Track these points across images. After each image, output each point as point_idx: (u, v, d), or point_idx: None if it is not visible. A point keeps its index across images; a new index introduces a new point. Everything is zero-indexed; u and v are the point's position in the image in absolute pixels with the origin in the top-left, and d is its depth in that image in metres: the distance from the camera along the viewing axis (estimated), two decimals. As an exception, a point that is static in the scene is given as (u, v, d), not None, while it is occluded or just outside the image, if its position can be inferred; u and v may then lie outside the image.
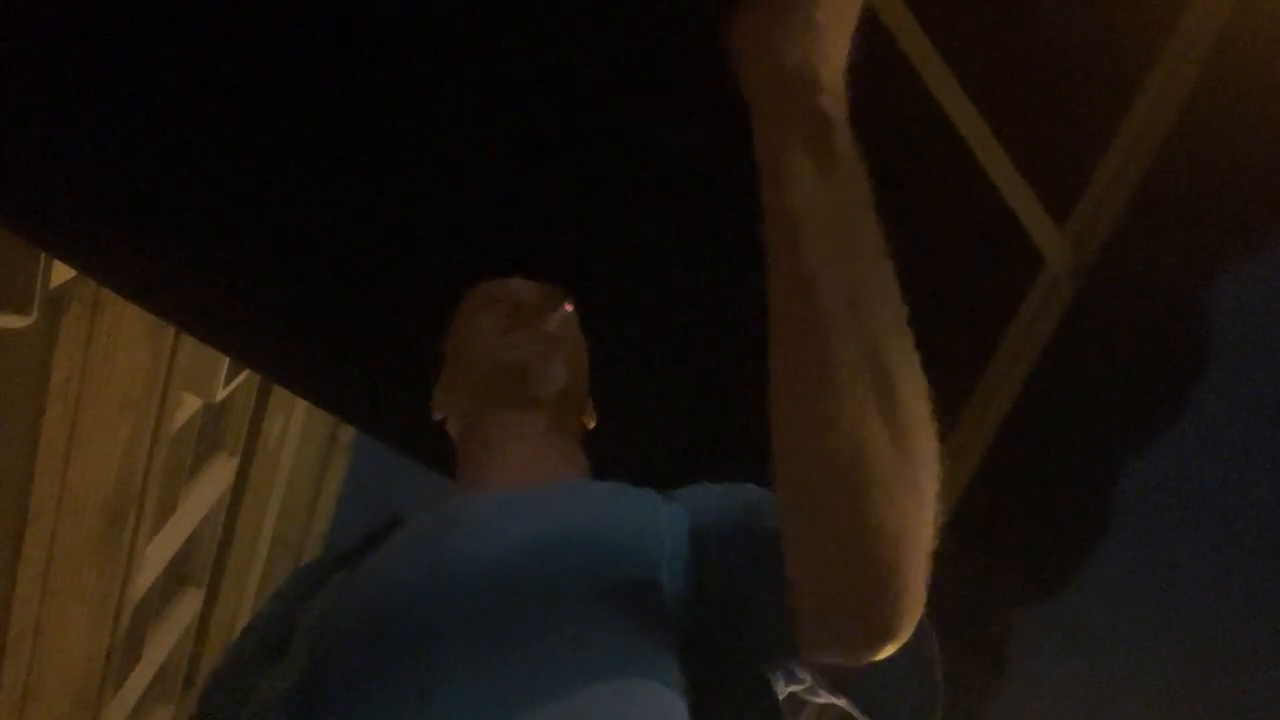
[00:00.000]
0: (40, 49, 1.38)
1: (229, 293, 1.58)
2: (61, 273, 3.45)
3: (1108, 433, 1.51)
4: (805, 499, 0.68)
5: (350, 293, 1.57)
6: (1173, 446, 1.48)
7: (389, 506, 0.95)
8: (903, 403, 0.65)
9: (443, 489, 1.10)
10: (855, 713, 0.78)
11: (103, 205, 1.50)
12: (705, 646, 0.75)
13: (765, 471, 0.70)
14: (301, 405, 7.71)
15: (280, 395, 7.24)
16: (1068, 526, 1.56)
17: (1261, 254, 1.41)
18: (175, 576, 7.26)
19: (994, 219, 1.40)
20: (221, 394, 5.67)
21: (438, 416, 1.08)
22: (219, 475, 7.11)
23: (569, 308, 1.05)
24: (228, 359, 5.05)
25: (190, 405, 5.70)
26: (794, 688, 0.78)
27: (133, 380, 4.46)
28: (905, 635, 0.67)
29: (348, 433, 9.47)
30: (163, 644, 7.23)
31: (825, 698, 0.79)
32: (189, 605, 7.64)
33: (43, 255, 3.25)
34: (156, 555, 6.13)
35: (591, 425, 1.07)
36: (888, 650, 0.68)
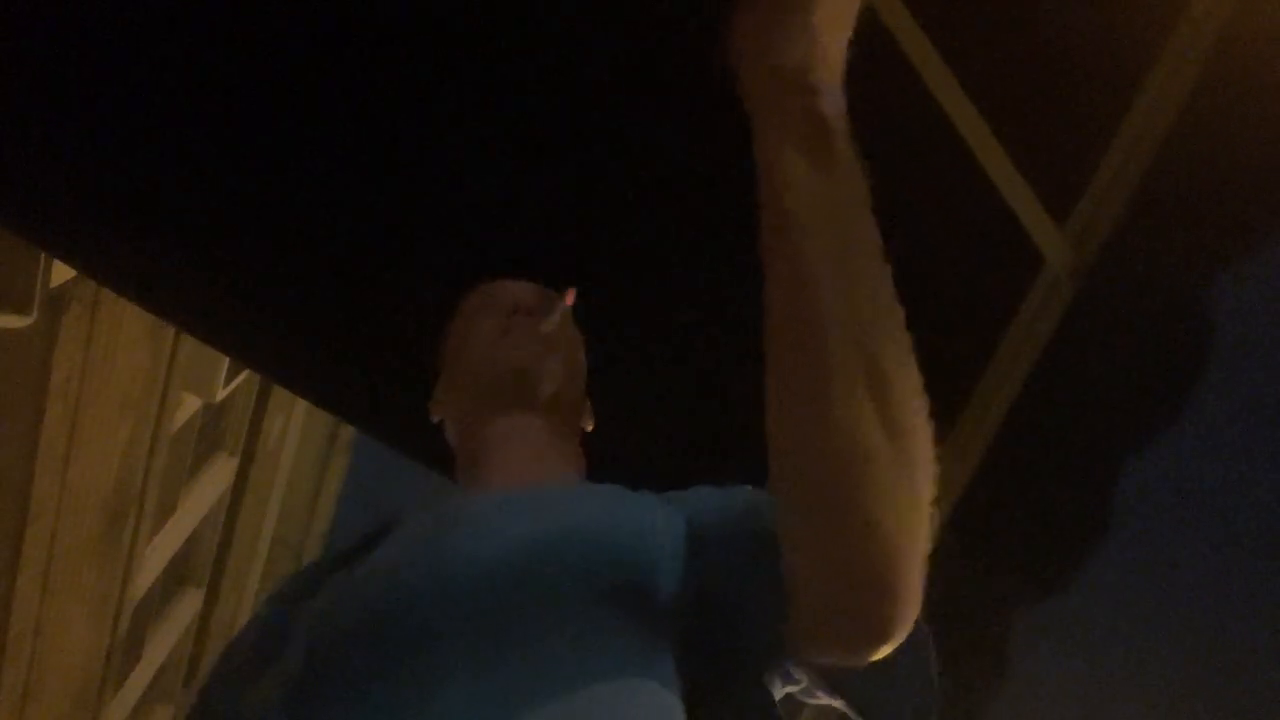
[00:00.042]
0: (40, 49, 1.38)
1: (229, 293, 1.58)
2: (61, 273, 3.45)
3: (1108, 433, 1.51)
4: (801, 499, 0.68)
5: (350, 293, 1.57)
6: (1173, 446, 1.48)
7: (389, 506, 0.95)
8: (899, 403, 0.65)
9: (443, 489, 1.10)
10: (852, 714, 0.78)
11: (103, 205, 1.51)
12: (703, 648, 0.76)
13: (764, 472, 0.70)
14: (301, 405, 7.71)
15: (280, 395, 7.24)
16: (1068, 526, 1.56)
17: (1261, 254, 1.41)
18: (175, 576, 7.27)
19: (994, 219, 1.40)
20: (221, 394, 5.67)
21: (436, 418, 1.08)
22: (219, 475, 7.11)
23: (569, 300, 1.05)
24: (228, 359, 5.05)
25: (190, 405, 5.70)
26: (791, 689, 0.78)
27: (133, 380, 4.47)
28: (902, 635, 0.68)
29: (348, 433, 9.47)
30: (163, 644, 7.23)
31: (822, 699, 0.79)
32: (189, 605, 7.64)
33: (43, 255, 3.25)
34: (156, 555, 6.13)
35: (589, 427, 1.07)
36: (884, 650, 0.68)
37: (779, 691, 0.78)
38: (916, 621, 0.68)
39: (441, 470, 1.09)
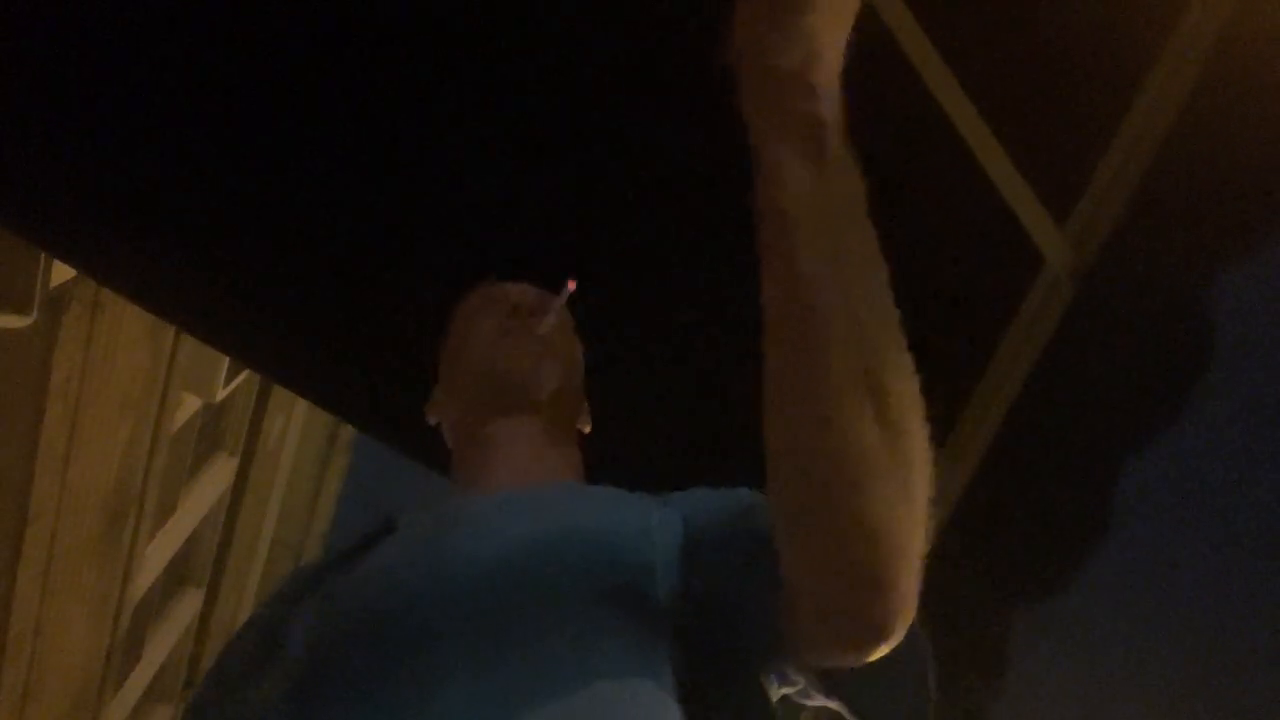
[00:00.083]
0: (40, 49, 1.38)
1: (229, 293, 1.58)
2: (61, 273, 3.45)
3: (1108, 433, 1.51)
4: (797, 499, 0.68)
5: (350, 293, 1.57)
6: (1173, 446, 1.48)
7: (389, 506, 0.96)
8: (896, 405, 0.65)
9: (442, 489, 1.10)
10: (848, 715, 0.78)
11: (103, 205, 1.51)
12: (699, 649, 0.76)
13: (763, 472, 0.70)
14: (301, 405, 7.71)
15: (280, 395, 7.24)
16: (1068, 526, 1.56)
17: (1261, 254, 1.41)
18: (175, 576, 7.26)
19: (994, 219, 1.40)
20: (221, 394, 5.66)
21: (433, 420, 1.08)
22: (219, 475, 7.10)
23: (570, 288, 1.04)
24: (228, 359, 5.06)
25: (190, 405, 5.69)
26: (787, 690, 0.79)
27: (133, 380, 4.46)
28: (897, 636, 0.68)
29: (348, 433, 9.46)
30: (163, 644, 7.22)
31: (819, 700, 0.79)
32: (189, 605, 7.64)
33: (43, 255, 3.25)
34: (156, 555, 6.13)
35: (587, 428, 1.07)
36: (880, 651, 0.68)
37: (776, 692, 0.79)
38: (912, 622, 0.68)
39: (441, 470, 1.09)
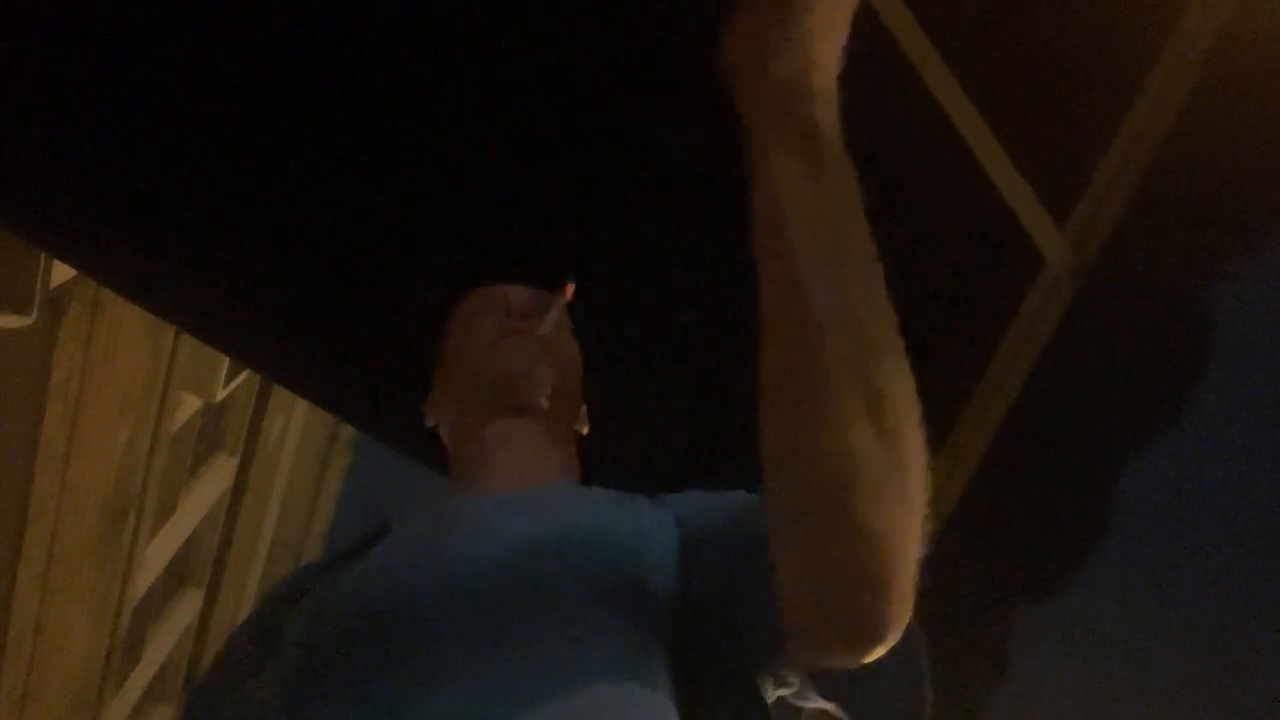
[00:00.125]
0: (40, 49, 1.38)
1: (229, 293, 1.58)
2: (61, 273, 3.45)
3: (1108, 433, 1.51)
4: (793, 501, 0.68)
5: (350, 293, 1.57)
6: (1173, 446, 1.48)
7: (389, 507, 0.96)
8: (891, 407, 0.66)
9: (442, 489, 1.10)
10: (844, 717, 0.78)
11: (103, 205, 1.51)
12: (695, 651, 0.76)
13: (760, 475, 0.70)
14: (301, 405, 7.71)
15: (280, 395, 7.24)
16: (1068, 526, 1.56)
17: (1261, 254, 1.41)
18: (175, 576, 7.27)
19: (994, 219, 1.40)
20: (221, 394, 5.67)
21: (431, 421, 1.08)
22: (219, 475, 7.11)
23: (569, 294, 1.05)
24: (228, 359, 5.06)
25: (190, 405, 5.70)
26: (783, 691, 0.79)
27: (133, 380, 4.46)
28: (893, 638, 0.68)
29: (348, 433, 9.46)
30: (163, 644, 7.23)
31: (814, 702, 0.79)
32: (189, 605, 7.65)
33: (43, 255, 3.25)
34: (156, 555, 6.13)
35: (585, 430, 1.07)
36: (876, 653, 0.68)
37: (771, 694, 0.79)
38: (908, 624, 0.68)
39: (441, 470, 1.10)
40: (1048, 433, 1.53)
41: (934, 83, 1.31)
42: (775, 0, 0.64)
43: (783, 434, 0.67)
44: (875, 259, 0.67)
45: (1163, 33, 1.35)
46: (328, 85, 1.41)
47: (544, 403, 0.99)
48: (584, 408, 1.08)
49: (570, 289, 1.04)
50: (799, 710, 0.80)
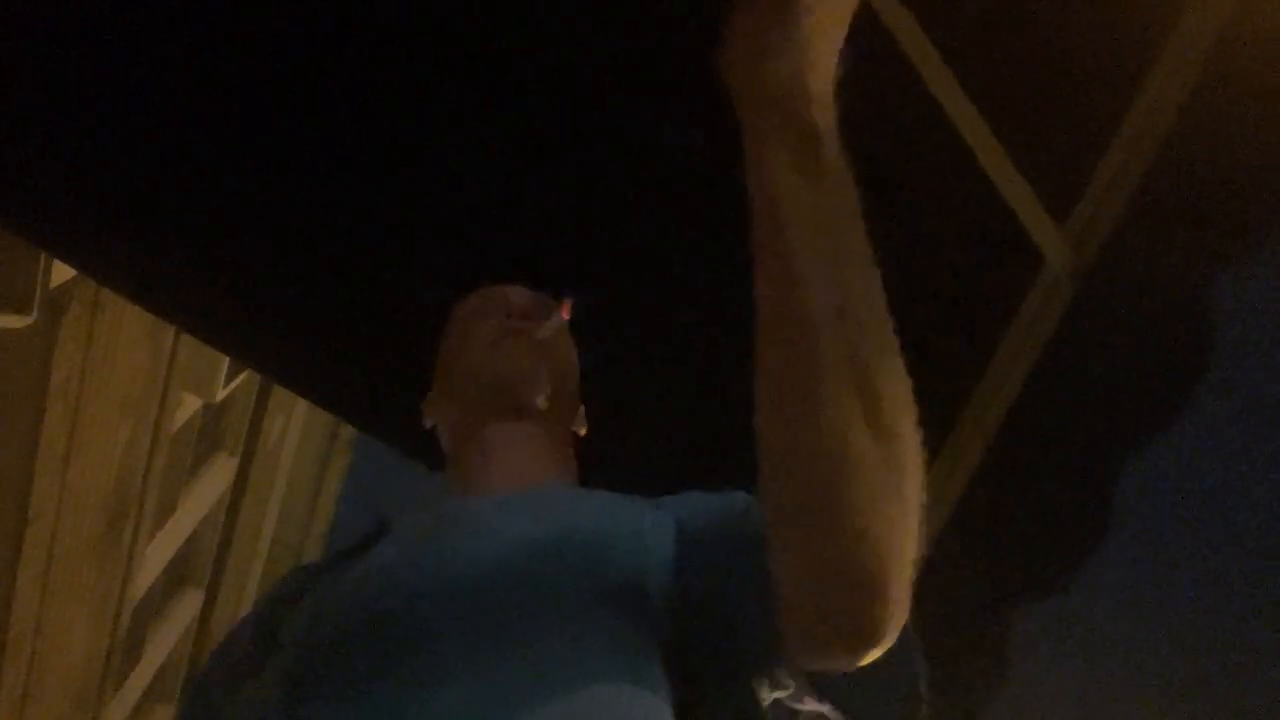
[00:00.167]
0: (40, 49, 1.38)
1: (229, 293, 1.58)
2: (61, 273, 3.45)
3: (1108, 433, 1.51)
4: (789, 502, 0.68)
5: (350, 293, 1.57)
6: (1173, 446, 1.48)
7: (389, 507, 0.96)
8: (887, 410, 0.66)
9: (442, 489, 1.10)
10: (840, 719, 0.78)
11: (103, 205, 1.51)
12: (693, 652, 0.76)
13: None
14: (301, 405, 7.71)
15: (280, 395, 7.23)
16: (1068, 526, 1.56)
17: (1261, 254, 1.41)
18: (175, 576, 7.26)
19: (994, 219, 1.40)
20: (221, 394, 5.66)
21: (429, 422, 1.08)
22: (219, 475, 7.10)
23: (565, 315, 1.05)
24: (228, 359, 5.05)
25: (190, 405, 5.69)
26: (779, 694, 0.79)
27: (133, 380, 4.46)
28: (889, 640, 0.68)
29: (348, 433, 9.46)
30: (163, 644, 7.22)
31: (810, 704, 0.79)
32: (189, 605, 7.64)
33: (43, 255, 3.25)
34: (156, 555, 6.13)
35: (582, 431, 1.07)
36: (872, 655, 0.68)
37: (767, 696, 0.78)
38: (904, 626, 0.68)
39: (441, 470, 1.10)
40: (1048, 433, 1.53)
41: (934, 83, 1.31)
42: (773, 3, 0.64)
43: (779, 435, 0.67)
44: (872, 260, 0.67)
45: (1163, 33, 1.35)
46: (328, 85, 1.41)
47: (542, 404, 0.99)
48: (582, 409, 1.08)
49: (568, 307, 1.04)
50: (795, 713, 0.80)
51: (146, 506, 5.22)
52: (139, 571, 5.63)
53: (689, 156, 1.37)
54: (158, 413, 4.84)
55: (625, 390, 1.31)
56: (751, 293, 0.68)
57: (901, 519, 0.66)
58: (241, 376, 6.01)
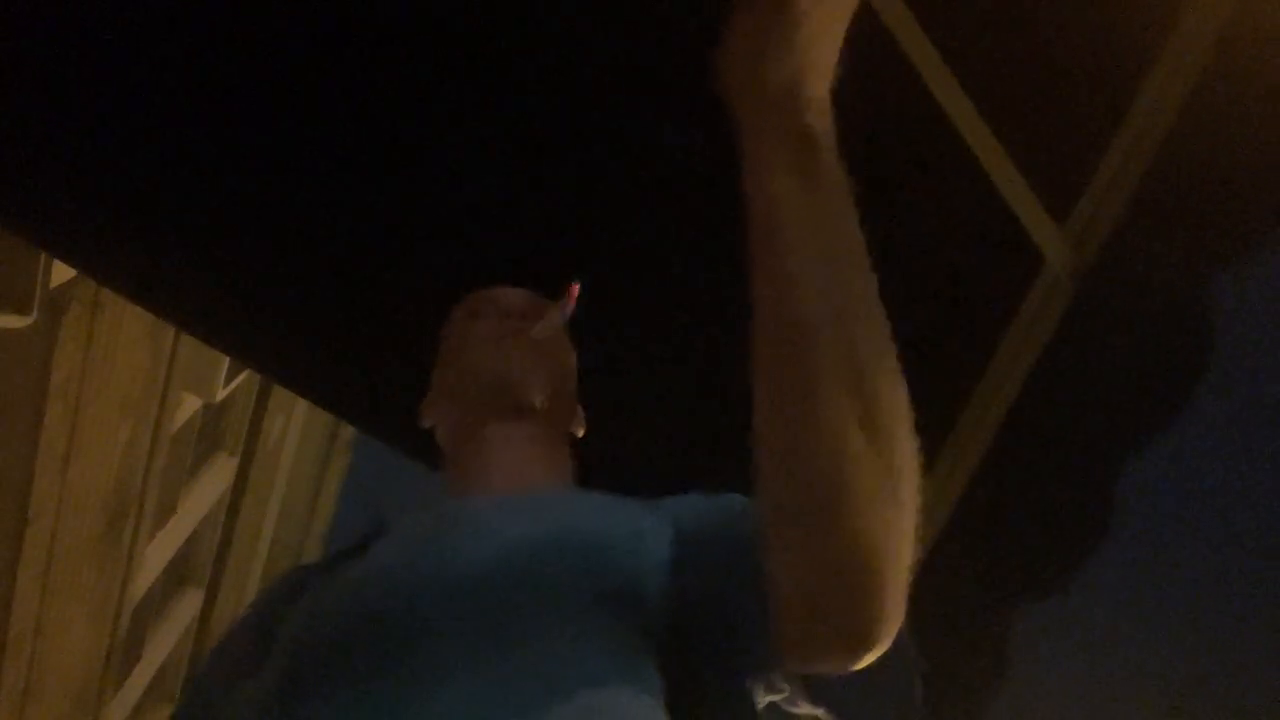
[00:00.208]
0: (40, 49, 1.38)
1: (229, 293, 1.58)
2: (61, 273, 3.46)
3: (1108, 433, 1.51)
4: (785, 505, 0.68)
5: (350, 293, 1.57)
6: (1173, 446, 1.48)
7: (388, 507, 0.96)
8: (884, 413, 0.65)
9: (441, 490, 1.10)
10: None
11: (103, 205, 1.51)
12: (689, 654, 0.76)
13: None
14: (301, 405, 7.71)
15: (280, 395, 7.24)
16: (1068, 526, 1.56)
17: (1261, 254, 1.41)
18: (175, 576, 7.27)
19: (994, 219, 1.40)
20: (221, 394, 5.67)
21: (427, 423, 1.08)
22: (219, 475, 7.11)
23: (573, 295, 1.04)
24: (228, 359, 5.06)
25: (190, 405, 5.70)
26: (774, 697, 0.78)
27: (133, 380, 4.47)
28: (884, 644, 0.68)
29: (348, 433, 9.47)
30: (163, 644, 7.23)
31: (805, 708, 0.79)
32: (189, 605, 7.65)
33: (43, 255, 3.25)
34: (156, 555, 6.13)
35: (580, 432, 1.07)
36: (867, 659, 0.68)
37: (763, 699, 0.78)
38: (899, 630, 0.68)
39: (441, 470, 1.10)
40: (1048, 433, 1.53)
41: (934, 83, 1.31)
42: (770, 9, 0.64)
43: (775, 439, 0.67)
44: (868, 264, 0.67)
45: (1163, 33, 1.35)
46: (328, 85, 1.41)
47: (540, 404, 0.99)
48: (580, 410, 1.08)
49: (575, 290, 1.04)
50: (791, 716, 0.80)
51: (146, 506, 5.23)
52: (139, 571, 5.64)
53: (689, 156, 1.37)
54: (158, 413, 4.85)
55: (624, 391, 1.31)
56: (747, 296, 0.68)
57: (897, 522, 0.66)
58: (241, 376, 6.02)
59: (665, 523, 0.82)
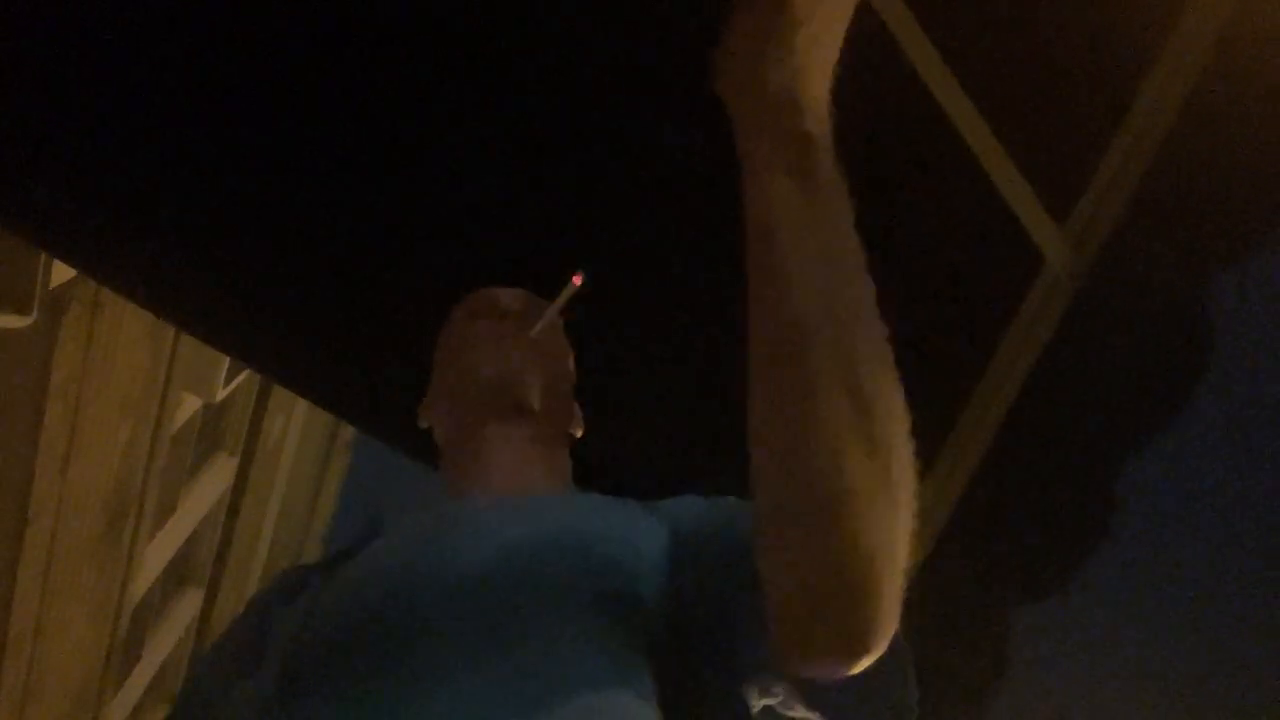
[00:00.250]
0: (40, 49, 1.38)
1: (229, 293, 1.58)
2: (61, 273, 3.45)
3: (1108, 433, 1.51)
4: (781, 509, 0.68)
5: (350, 293, 1.57)
6: (1173, 446, 1.48)
7: (388, 507, 0.96)
8: (880, 418, 0.65)
9: (439, 490, 1.10)
10: None
11: (103, 205, 1.51)
12: (683, 658, 0.76)
13: None
14: (301, 405, 7.71)
15: (280, 395, 7.24)
16: (1068, 526, 1.56)
17: (1261, 254, 1.41)
18: (175, 576, 7.27)
19: (994, 219, 1.40)
20: (221, 394, 5.66)
21: (425, 424, 1.08)
22: (219, 475, 7.11)
23: (577, 283, 1.03)
24: (228, 359, 5.05)
25: (190, 405, 5.70)
26: (768, 701, 0.78)
27: (133, 380, 4.47)
28: (879, 649, 0.68)
29: (348, 433, 9.47)
30: (163, 644, 7.23)
31: (800, 712, 0.78)
32: (189, 605, 7.65)
33: (43, 255, 3.25)
34: (156, 555, 6.13)
35: (578, 432, 1.07)
36: (862, 664, 0.68)
37: (757, 704, 0.78)
38: (894, 635, 0.68)
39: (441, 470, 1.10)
40: (1048, 433, 1.53)
41: (934, 83, 1.31)
42: (769, 10, 0.64)
43: (771, 441, 0.67)
44: (865, 268, 0.67)
45: (1163, 33, 1.35)
46: (328, 85, 1.41)
47: (537, 405, 0.99)
48: (578, 410, 1.08)
49: (578, 279, 1.03)
50: (782, 719, 0.80)
51: (146, 506, 5.23)
52: (139, 571, 5.64)
53: (689, 156, 1.37)
54: (158, 413, 4.85)
55: (623, 391, 1.31)
56: (745, 298, 0.68)
57: (894, 525, 0.66)
58: (241, 376, 6.01)
59: (662, 524, 0.82)
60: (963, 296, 1.47)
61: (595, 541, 0.79)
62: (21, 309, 3.35)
